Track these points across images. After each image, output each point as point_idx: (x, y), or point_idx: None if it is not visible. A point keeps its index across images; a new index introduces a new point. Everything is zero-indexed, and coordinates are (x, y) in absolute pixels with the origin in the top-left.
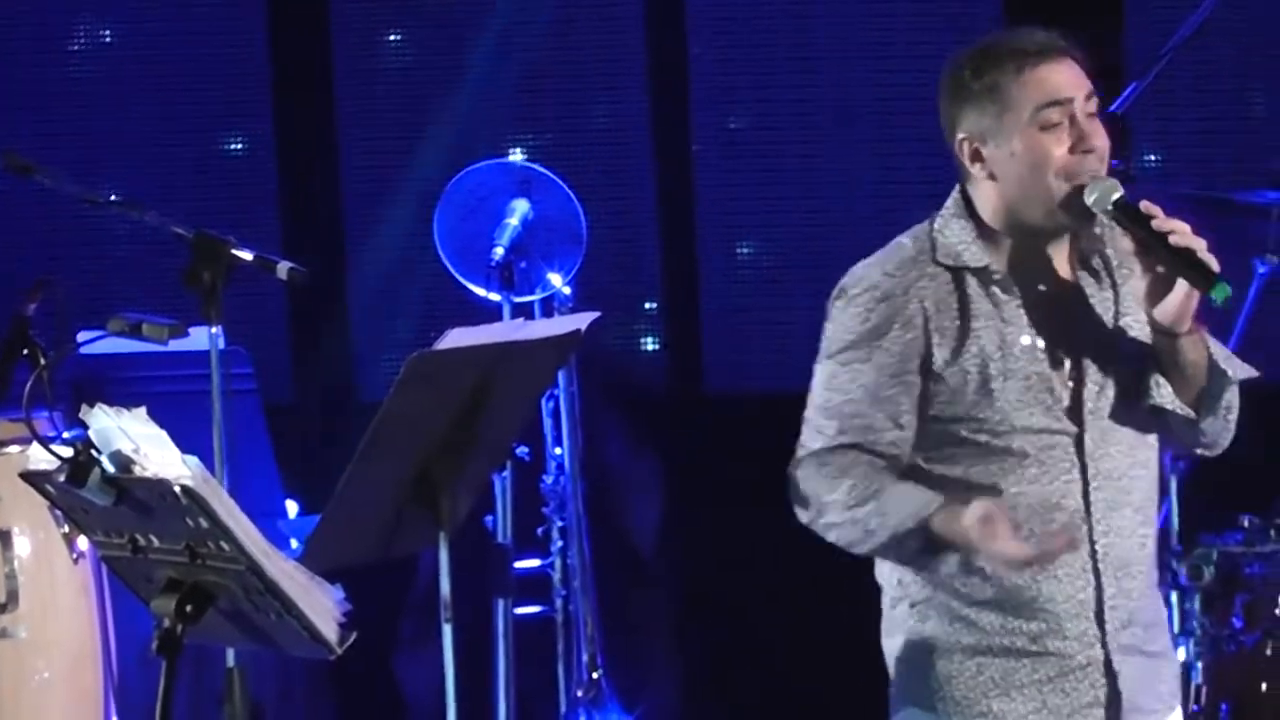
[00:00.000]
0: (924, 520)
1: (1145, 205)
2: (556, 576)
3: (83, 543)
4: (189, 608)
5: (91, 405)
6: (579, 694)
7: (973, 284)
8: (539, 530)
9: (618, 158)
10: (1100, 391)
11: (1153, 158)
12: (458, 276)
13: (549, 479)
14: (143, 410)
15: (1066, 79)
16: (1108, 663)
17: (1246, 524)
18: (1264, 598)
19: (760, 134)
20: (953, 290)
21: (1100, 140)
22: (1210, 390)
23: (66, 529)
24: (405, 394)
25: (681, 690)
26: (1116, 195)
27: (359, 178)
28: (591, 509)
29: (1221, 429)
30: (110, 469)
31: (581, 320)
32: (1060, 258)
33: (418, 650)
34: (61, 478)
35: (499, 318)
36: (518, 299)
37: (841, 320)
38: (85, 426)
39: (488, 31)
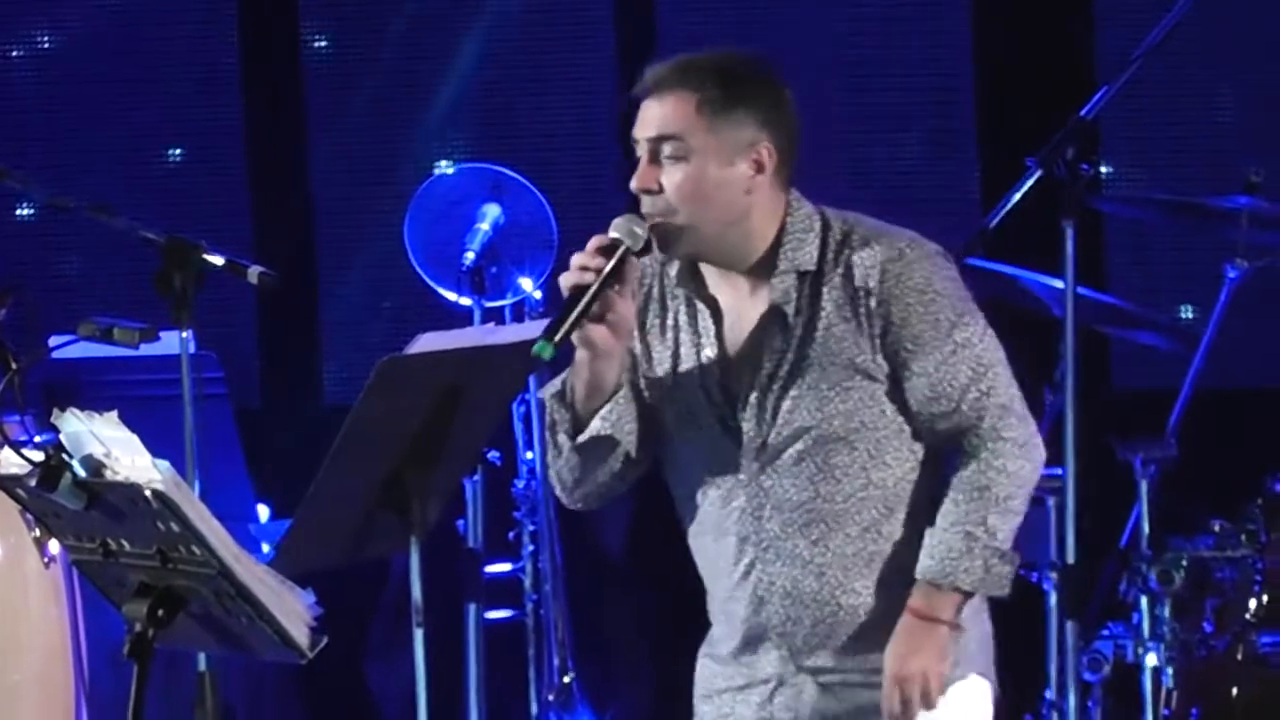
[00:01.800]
0: None
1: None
2: (527, 581)
3: (54, 547)
4: (160, 612)
5: (63, 409)
6: (550, 698)
7: None
8: (510, 534)
9: (589, 162)
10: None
11: (1123, 163)
12: (429, 281)
13: (520, 483)
14: (114, 414)
15: (643, 119)
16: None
17: (1217, 528)
18: (1234, 602)
19: None
20: None
21: (637, 181)
22: None
23: (38, 533)
24: (376, 398)
25: (652, 694)
26: (618, 237)
27: (330, 182)
28: (562, 513)
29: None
30: (82, 473)
31: None
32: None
33: (388, 654)
34: (33, 482)
35: (470, 322)
36: (489, 304)
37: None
38: (56, 431)
39: (458, 36)
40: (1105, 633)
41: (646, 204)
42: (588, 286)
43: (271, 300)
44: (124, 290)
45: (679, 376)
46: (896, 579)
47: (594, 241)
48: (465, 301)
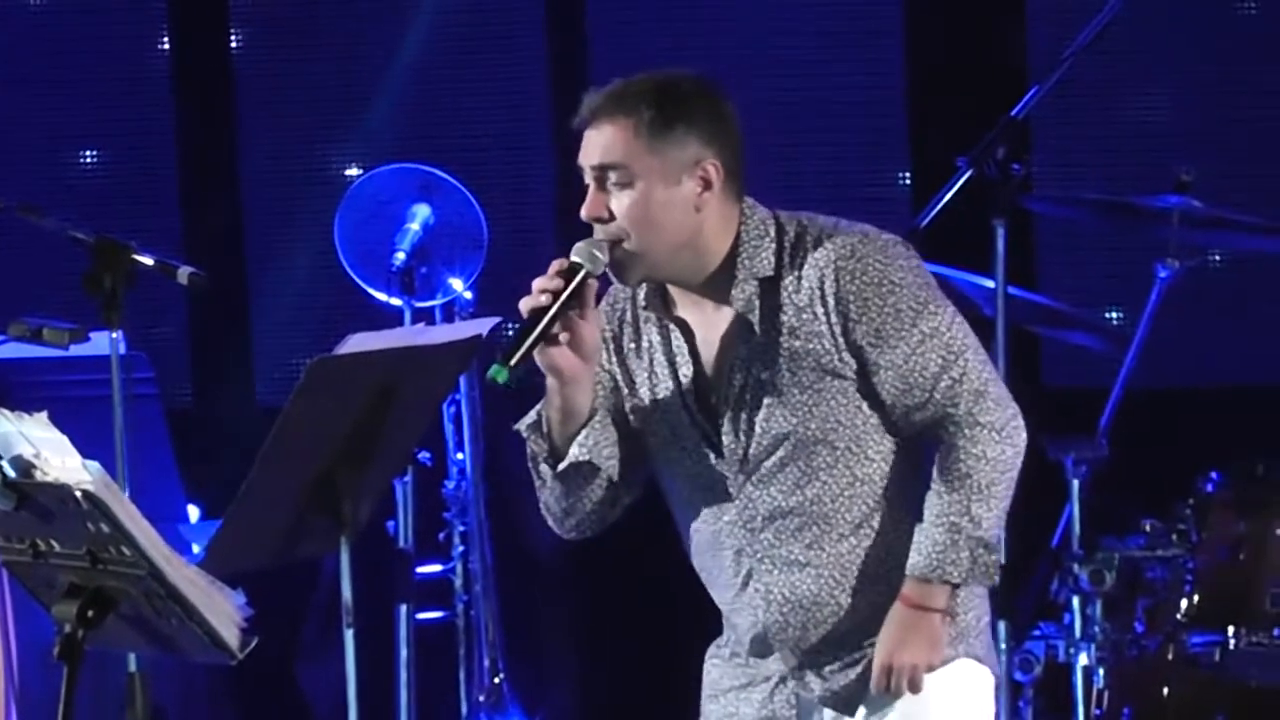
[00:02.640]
0: None
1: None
2: (458, 582)
3: None
4: (90, 613)
5: None
6: (480, 698)
7: None
8: (440, 535)
9: (518, 162)
10: None
11: (1054, 162)
12: (358, 282)
13: (451, 484)
14: (44, 415)
15: (585, 148)
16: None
17: (1148, 528)
18: (1166, 602)
19: None
20: None
21: (587, 210)
22: None
23: None
24: (306, 399)
25: (582, 695)
26: (578, 260)
27: (259, 182)
28: (493, 514)
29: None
30: (11, 474)
31: (483, 325)
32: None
33: (319, 655)
34: None
35: (400, 323)
36: (419, 304)
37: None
38: None
39: (388, 35)
40: (1037, 633)
41: (599, 232)
42: (545, 309)
43: (202, 301)
44: (54, 291)
45: (659, 399)
46: (893, 571)
47: (554, 265)
48: (395, 302)
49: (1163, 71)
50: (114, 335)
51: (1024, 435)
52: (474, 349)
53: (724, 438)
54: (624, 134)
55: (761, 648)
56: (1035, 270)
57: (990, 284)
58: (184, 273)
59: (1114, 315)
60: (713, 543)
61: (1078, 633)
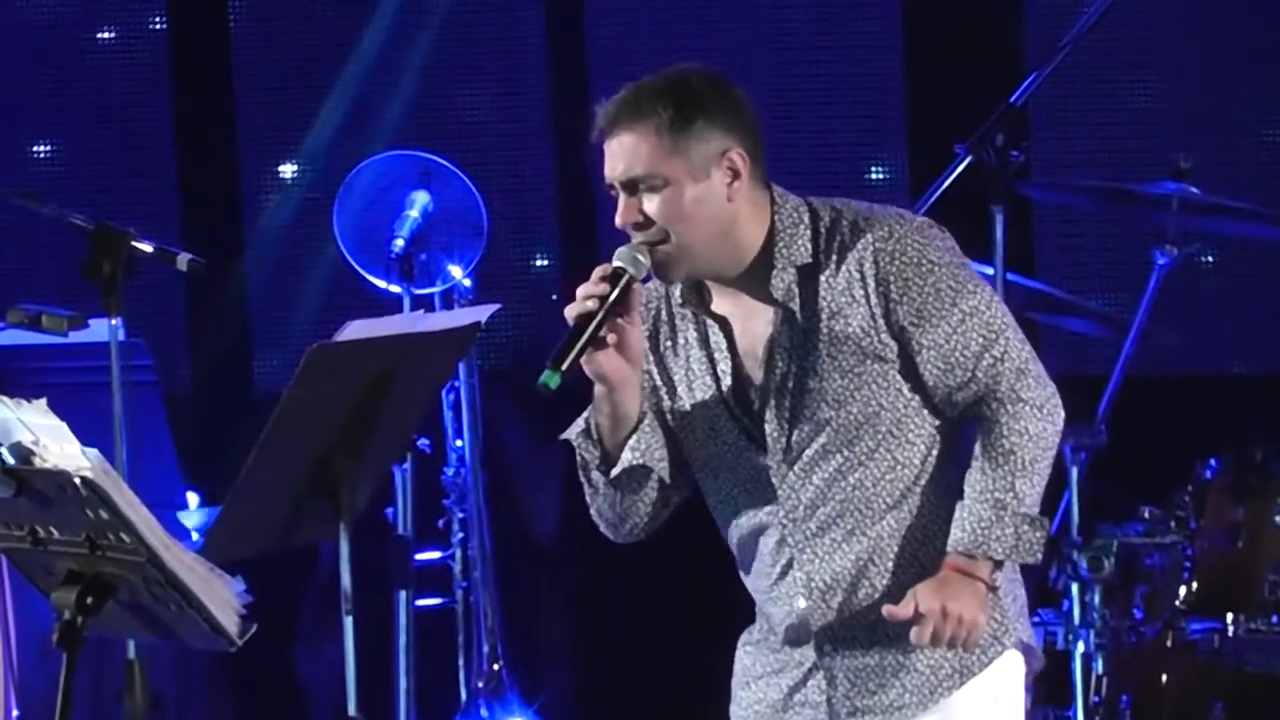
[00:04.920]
0: None
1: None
2: (457, 568)
3: None
4: (89, 600)
5: None
6: (479, 685)
7: None
8: (439, 522)
9: (517, 149)
10: None
11: (1052, 149)
12: (357, 268)
13: (449, 471)
14: (43, 402)
15: (609, 161)
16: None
17: (1147, 515)
18: (1164, 589)
19: None
20: None
21: (622, 218)
22: None
23: None
24: (305, 385)
25: (581, 681)
26: (621, 265)
27: (258, 169)
28: (492, 501)
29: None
30: (10, 460)
31: (482, 312)
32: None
33: (318, 642)
34: None
35: (399, 310)
36: (418, 291)
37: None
38: None
39: (388, 22)
40: (1035, 619)
41: (637, 237)
42: (592, 315)
43: (201, 287)
44: (52, 278)
45: (696, 397)
46: (928, 553)
47: (598, 271)
48: (394, 288)
49: (1161, 58)
50: (113, 322)
51: (1063, 413)
52: (473, 336)
53: (766, 427)
54: (646, 140)
55: (796, 635)
56: (1033, 257)
57: (989, 271)
58: (183, 259)
59: (1112, 302)
60: (753, 534)
61: (1076, 620)
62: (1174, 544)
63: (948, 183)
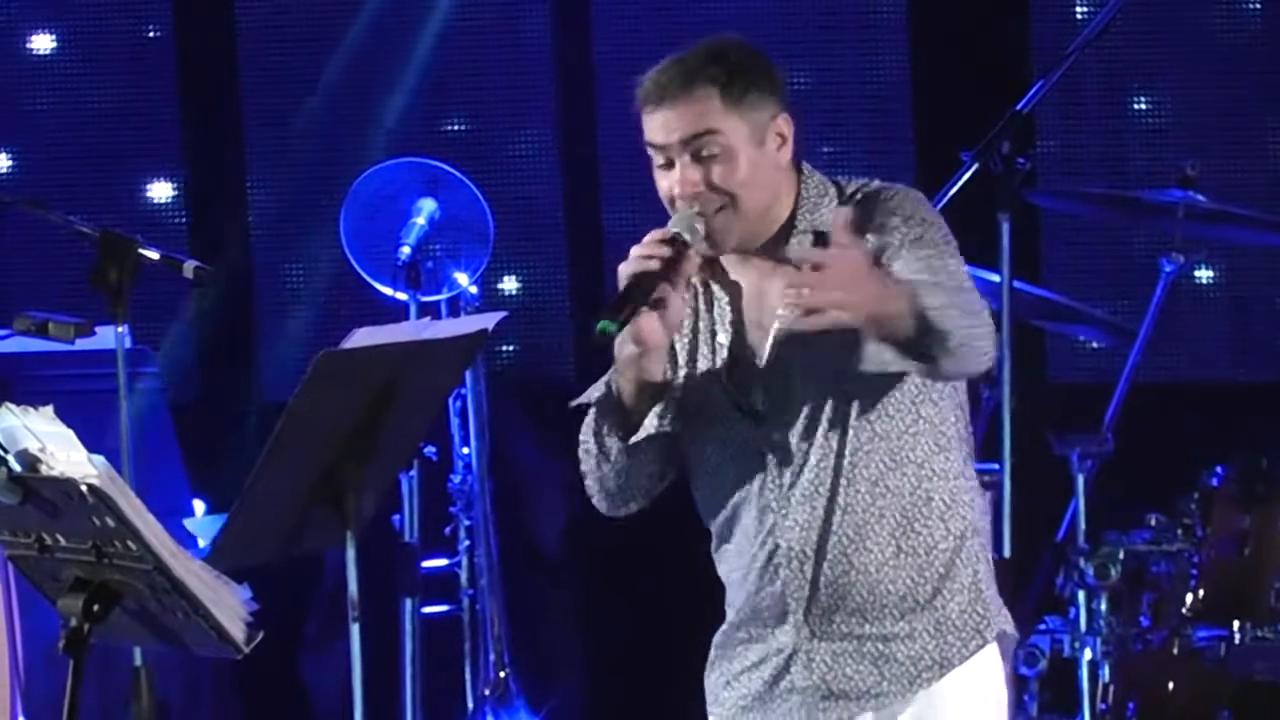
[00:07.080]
0: None
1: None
2: (464, 575)
3: None
4: (96, 607)
5: None
6: (486, 693)
7: None
8: (446, 529)
9: (524, 157)
10: None
11: (1059, 157)
12: (364, 276)
13: (456, 478)
14: (50, 409)
15: (665, 125)
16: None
17: (1153, 522)
18: (1170, 596)
19: None
20: None
21: (683, 186)
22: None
23: None
24: (312, 393)
25: (587, 689)
26: (678, 231)
27: (265, 176)
28: (499, 508)
29: (964, 359)
30: (17, 468)
31: (488, 320)
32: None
33: (325, 649)
34: None
35: (405, 317)
36: (424, 298)
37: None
38: None
39: (395, 29)
40: (1042, 627)
41: (696, 203)
42: (650, 274)
43: (208, 295)
44: (59, 285)
45: (696, 365)
46: (907, 540)
47: (654, 234)
48: (401, 296)
49: (1167, 66)
50: (119, 329)
51: (991, 355)
52: (479, 343)
53: (757, 397)
54: (710, 102)
55: (770, 615)
56: (1040, 264)
57: (995, 278)
58: (189, 266)
59: (1118, 309)
60: (737, 507)
61: (1083, 627)
62: (1180, 552)
63: (954, 190)
